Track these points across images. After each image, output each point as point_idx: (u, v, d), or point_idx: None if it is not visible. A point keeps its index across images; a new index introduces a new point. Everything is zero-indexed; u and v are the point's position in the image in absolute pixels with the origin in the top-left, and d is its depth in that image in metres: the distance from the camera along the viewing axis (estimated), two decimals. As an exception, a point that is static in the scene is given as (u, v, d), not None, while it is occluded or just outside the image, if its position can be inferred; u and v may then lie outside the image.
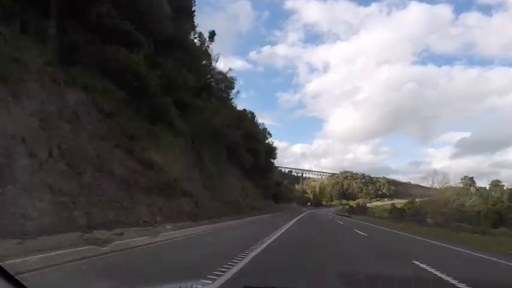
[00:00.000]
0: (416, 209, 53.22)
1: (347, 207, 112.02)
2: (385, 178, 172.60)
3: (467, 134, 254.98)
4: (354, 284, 4.52)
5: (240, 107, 40.49)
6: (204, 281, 3.75)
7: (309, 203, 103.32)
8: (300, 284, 4.32)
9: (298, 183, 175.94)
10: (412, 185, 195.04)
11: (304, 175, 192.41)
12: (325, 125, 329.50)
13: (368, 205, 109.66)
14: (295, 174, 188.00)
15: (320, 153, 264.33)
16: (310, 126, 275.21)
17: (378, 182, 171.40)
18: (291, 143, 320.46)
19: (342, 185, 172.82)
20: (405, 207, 60.96)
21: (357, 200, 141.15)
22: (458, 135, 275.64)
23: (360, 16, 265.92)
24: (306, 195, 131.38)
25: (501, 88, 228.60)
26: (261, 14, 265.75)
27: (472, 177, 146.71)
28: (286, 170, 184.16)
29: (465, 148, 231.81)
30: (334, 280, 4.80)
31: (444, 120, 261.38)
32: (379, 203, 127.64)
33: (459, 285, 4.67)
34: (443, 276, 5.28)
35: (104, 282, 3.92)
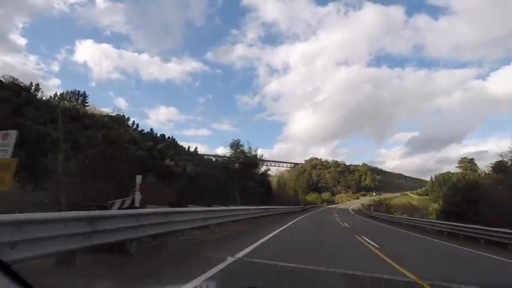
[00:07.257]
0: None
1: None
2: (366, 165, 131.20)
3: (416, 134, 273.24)
4: (358, 286, 4.42)
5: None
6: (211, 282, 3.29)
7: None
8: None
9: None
10: (396, 174, 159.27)
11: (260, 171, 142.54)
12: (286, 128, 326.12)
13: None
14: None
15: (281, 157, 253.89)
16: (271, 130, 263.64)
17: (357, 171, 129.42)
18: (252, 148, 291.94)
19: (310, 175, 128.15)
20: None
21: (339, 196, 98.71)
22: (408, 135, 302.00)
23: (318, 16, 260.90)
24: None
25: (446, 89, 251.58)
26: (215, 1, 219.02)
27: (473, 159, 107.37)
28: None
29: (414, 147, 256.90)
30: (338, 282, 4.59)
31: (396, 121, 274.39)
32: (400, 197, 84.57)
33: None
34: None
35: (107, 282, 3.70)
